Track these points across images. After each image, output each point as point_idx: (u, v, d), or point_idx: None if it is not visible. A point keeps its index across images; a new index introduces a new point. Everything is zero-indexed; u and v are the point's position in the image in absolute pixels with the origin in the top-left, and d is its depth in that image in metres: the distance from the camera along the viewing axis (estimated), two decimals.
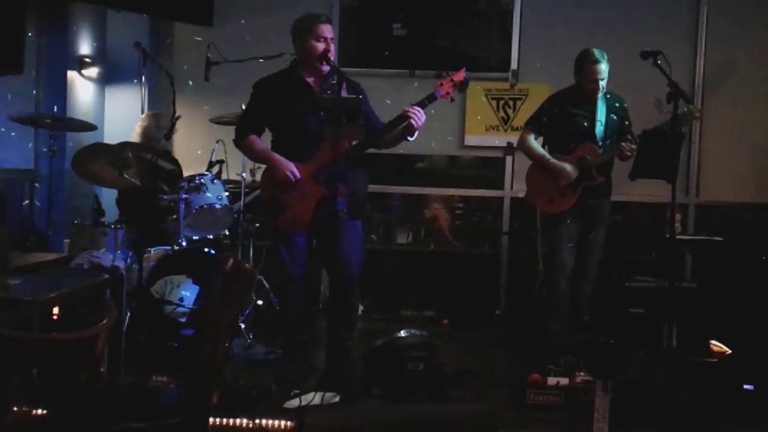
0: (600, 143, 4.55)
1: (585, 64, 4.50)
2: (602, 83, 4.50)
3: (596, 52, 4.50)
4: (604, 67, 4.47)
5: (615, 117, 4.61)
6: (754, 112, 5.76)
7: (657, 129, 4.37)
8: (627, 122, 4.65)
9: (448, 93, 3.86)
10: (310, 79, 3.94)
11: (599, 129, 4.56)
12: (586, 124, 4.56)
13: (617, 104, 4.65)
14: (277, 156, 3.89)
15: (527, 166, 4.75)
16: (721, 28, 5.97)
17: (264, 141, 4.07)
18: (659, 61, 3.95)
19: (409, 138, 3.84)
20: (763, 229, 5.95)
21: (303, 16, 3.99)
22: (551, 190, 4.57)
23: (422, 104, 3.80)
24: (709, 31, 5.98)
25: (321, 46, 3.87)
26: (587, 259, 4.61)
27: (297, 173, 3.84)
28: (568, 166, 4.51)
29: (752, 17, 5.89)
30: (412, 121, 3.75)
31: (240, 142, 4.04)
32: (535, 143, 4.67)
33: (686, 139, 5.81)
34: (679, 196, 5.82)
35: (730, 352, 4.70)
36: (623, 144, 4.42)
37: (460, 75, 3.88)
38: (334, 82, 3.92)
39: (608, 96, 4.62)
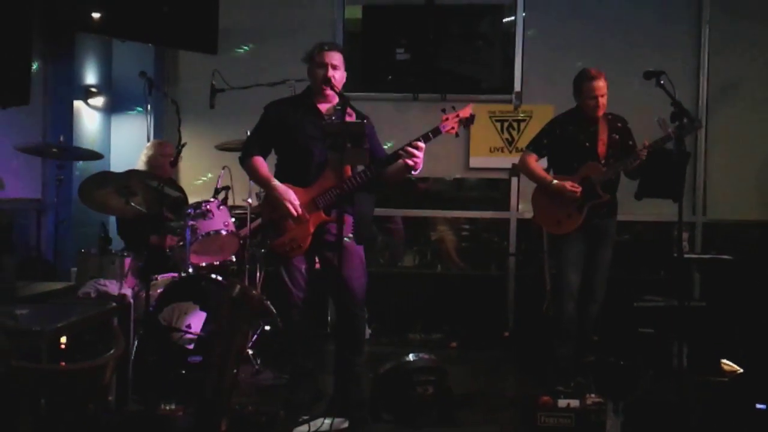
0: (603, 162, 4.55)
1: (583, 82, 4.53)
2: (602, 100, 4.51)
3: (593, 70, 4.54)
4: (602, 84, 4.49)
5: (617, 136, 4.61)
6: (759, 129, 5.76)
7: (662, 149, 4.38)
8: (631, 142, 4.65)
9: (453, 128, 3.81)
10: (321, 106, 3.97)
11: (601, 148, 4.56)
12: (588, 144, 4.57)
13: (619, 124, 4.67)
14: (278, 185, 3.88)
15: (533, 188, 4.75)
16: (723, 46, 6.00)
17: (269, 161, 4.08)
18: (662, 81, 3.97)
19: (412, 173, 3.83)
20: None
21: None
22: (557, 212, 4.57)
23: (426, 138, 3.77)
24: (711, 49, 6.01)
25: (322, 72, 3.90)
26: (594, 279, 4.59)
27: (298, 206, 3.84)
28: (568, 184, 4.51)
29: (754, 35, 5.92)
30: (408, 162, 3.72)
31: (244, 161, 4.05)
32: (536, 165, 4.68)
33: (692, 158, 5.82)
34: (686, 215, 5.79)
35: (741, 371, 4.66)
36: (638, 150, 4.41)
37: (466, 111, 3.84)
38: (339, 107, 3.93)
39: (609, 116, 4.64)
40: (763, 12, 5.91)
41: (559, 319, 4.59)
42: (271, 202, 3.92)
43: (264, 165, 4.02)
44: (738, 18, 5.98)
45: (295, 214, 3.83)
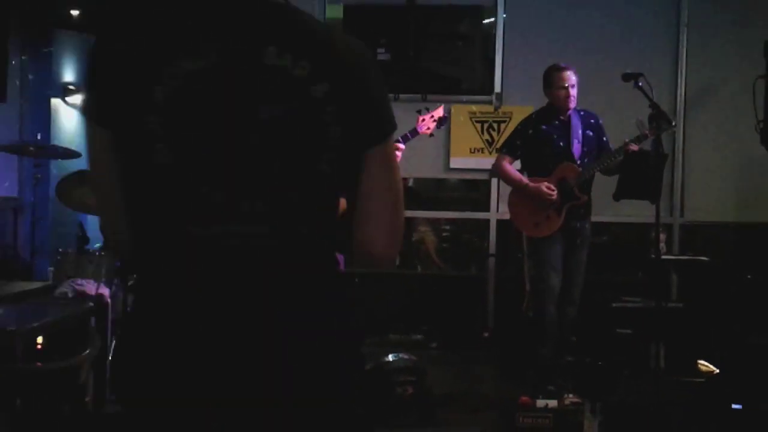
0: (578, 162, 4.53)
1: (552, 74, 4.51)
2: (573, 91, 4.47)
3: (563, 63, 4.53)
4: (571, 74, 4.47)
5: (591, 133, 4.59)
6: (737, 131, 5.80)
7: (641, 150, 4.41)
8: (605, 138, 4.64)
9: (429, 128, 3.90)
10: None
11: (576, 147, 4.54)
12: (562, 143, 4.53)
13: (592, 120, 4.64)
14: None
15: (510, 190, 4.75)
16: (702, 49, 6.04)
17: None
18: (640, 83, 4.00)
19: None
20: (748, 248, 5.99)
21: None
22: (535, 215, 4.55)
23: (405, 138, 3.84)
24: (689, 52, 6.05)
25: None
26: (572, 281, 4.59)
27: None
28: (544, 185, 4.48)
29: (732, 37, 5.96)
30: None
31: None
32: (510, 167, 4.64)
33: (670, 159, 5.86)
34: (664, 216, 5.86)
35: (717, 371, 4.71)
36: (626, 142, 4.35)
37: (439, 111, 3.93)
38: None
39: (582, 113, 4.61)
40: (741, 14, 5.96)
41: (540, 322, 4.57)
42: None
43: None
44: (716, 21, 6.03)
45: None
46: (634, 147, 4.35)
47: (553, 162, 4.54)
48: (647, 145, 4.27)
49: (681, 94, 6.05)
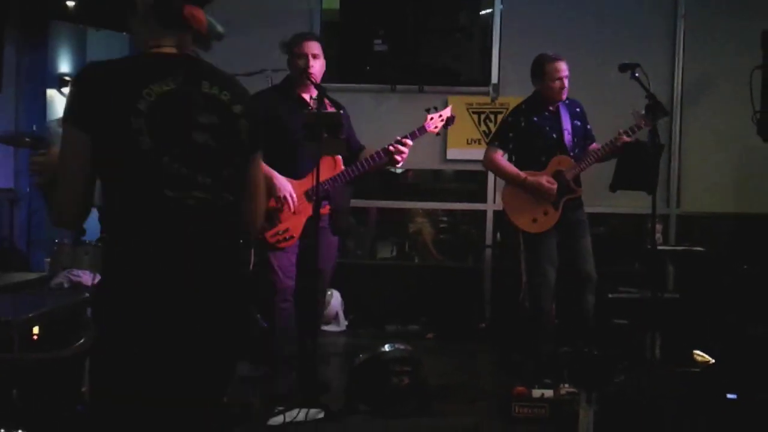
0: (571, 153, 4.47)
1: (545, 63, 4.40)
2: (566, 83, 4.40)
3: (551, 52, 4.44)
4: (564, 65, 4.38)
5: (578, 123, 4.54)
6: (733, 122, 5.80)
7: (638, 141, 4.41)
8: (588, 126, 4.59)
9: (436, 128, 4.01)
10: (306, 95, 3.97)
11: (567, 138, 4.47)
12: (554, 135, 4.45)
13: (578, 109, 4.58)
14: (278, 177, 3.90)
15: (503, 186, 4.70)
16: (699, 40, 6.04)
17: None
18: (637, 74, 3.99)
19: (397, 166, 3.98)
20: (744, 238, 6.01)
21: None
22: (533, 210, 4.45)
23: (413, 136, 3.92)
24: (686, 43, 6.05)
25: (302, 62, 3.90)
26: (584, 268, 4.48)
27: (293, 196, 3.87)
28: (545, 179, 4.40)
29: (729, 29, 5.95)
30: (396, 158, 3.87)
31: None
32: (505, 161, 4.53)
33: (666, 150, 5.86)
34: (660, 207, 5.87)
35: (713, 361, 4.72)
36: (620, 132, 4.32)
37: (447, 111, 4.04)
38: (316, 98, 3.93)
39: (567, 102, 4.53)
40: (738, 4, 5.96)
41: (538, 317, 4.51)
42: (270, 191, 3.93)
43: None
44: (713, 11, 6.02)
45: (292, 206, 3.85)
46: (626, 138, 4.33)
47: (546, 154, 4.46)
48: (643, 136, 4.27)
49: (678, 85, 6.06)
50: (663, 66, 6.02)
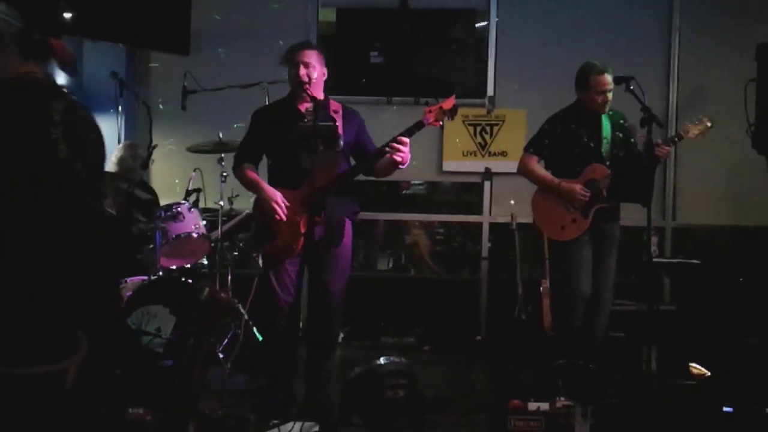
0: (607, 163, 4.41)
1: (591, 75, 4.35)
2: (610, 96, 4.35)
3: (600, 63, 4.37)
4: (610, 78, 4.32)
5: (620, 134, 4.47)
6: (729, 134, 5.80)
7: (633, 152, 4.40)
8: (633, 140, 4.52)
9: (436, 120, 3.82)
10: (302, 107, 3.95)
11: (605, 147, 4.41)
12: (592, 144, 4.40)
13: (621, 121, 4.52)
14: (265, 186, 3.90)
15: (507, 191, 4.72)
16: (694, 52, 6.07)
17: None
18: (632, 87, 3.99)
19: (401, 166, 3.83)
20: (740, 250, 6.00)
21: None
22: (562, 217, 4.40)
23: (410, 132, 3.78)
24: (681, 55, 6.07)
25: (294, 72, 3.89)
26: (603, 287, 4.42)
27: (282, 205, 3.83)
28: (578, 188, 4.35)
29: (724, 40, 5.98)
30: (396, 158, 3.75)
31: (235, 171, 4.09)
32: (539, 167, 4.48)
33: (662, 163, 5.86)
34: (656, 219, 5.88)
35: (709, 374, 4.71)
36: (659, 143, 4.24)
37: (450, 102, 3.84)
38: (312, 108, 3.91)
39: (611, 112, 4.47)
40: (733, 17, 5.98)
41: (567, 333, 4.41)
42: (260, 204, 3.91)
43: (253, 170, 4.01)
44: (708, 24, 6.05)
45: (280, 213, 3.81)
46: (665, 149, 4.25)
47: (581, 163, 4.40)
48: (640, 148, 4.27)
49: (673, 97, 6.07)
50: (658, 78, 6.04)
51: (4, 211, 1.93)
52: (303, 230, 3.84)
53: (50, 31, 2.15)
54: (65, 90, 2.15)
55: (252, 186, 3.98)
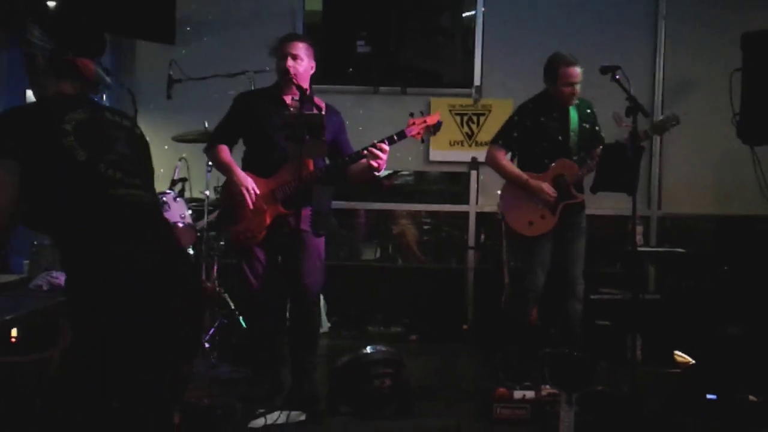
0: (575, 157, 4.42)
1: (560, 66, 4.31)
2: (578, 88, 4.34)
3: (569, 54, 4.35)
4: (579, 70, 4.31)
5: (587, 125, 4.47)
6: (714, 124, 5.84)
7: (617, 143, 4.41)
8: (597, 128, 4.52)
9: (419, 133, 3.81)
10: (287, 97, 3.93)
11: (573, 140, 4.41)
12: (560, 137, 4.40)
13: (588, 110, 4.51)
14: (237, 170, 3.87)
15: (493, 181, 4.72)
16: (680, 41, 6.08)
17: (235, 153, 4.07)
18: (618, 76, 3.98)
19: (376, 173, 3.80)
20: (724, 239, 6.03)
21: None
22: (530, 213, 4.39)
23: (391, 140, 3.75)
24: (667, 45, 6.09)
25: (282, 63, 3.88)
26: (572, 274, 4.42)
27: (252, 192, 3.81)
28: (546, 186, 4.34)
29: (710, 30, 5.99)
30: (372, 163, 3.72)
31: (209, 150, 4.06)
32: (508, 161, 4.47)
33: (647, 153, 5.89)
34: (642, 209, 5.91)
35: (693, 362, 4.75)
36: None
37: (434, 118, 3.84)
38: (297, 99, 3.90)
39: (578, 102, 4.45)
40: (719, 6, 6.00)
41: (520, 317, 4.49)
42: (230, 188, 3.90)
43: (227, 152, 3.98)
44: (694, 13, 6.06)
45: (248, 201, 3.79)
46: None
47: (549, 157, 4.40)
48: (622, 136, 4.27)
49: (659, 87, 6.09)
50: (644, 68, 6.05)
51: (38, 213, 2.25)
52: (268, 221, 3.83)
53: (79, 50, 2.31)
54: (91, 99, 2.37)
55: (224, 167, 3.95)
